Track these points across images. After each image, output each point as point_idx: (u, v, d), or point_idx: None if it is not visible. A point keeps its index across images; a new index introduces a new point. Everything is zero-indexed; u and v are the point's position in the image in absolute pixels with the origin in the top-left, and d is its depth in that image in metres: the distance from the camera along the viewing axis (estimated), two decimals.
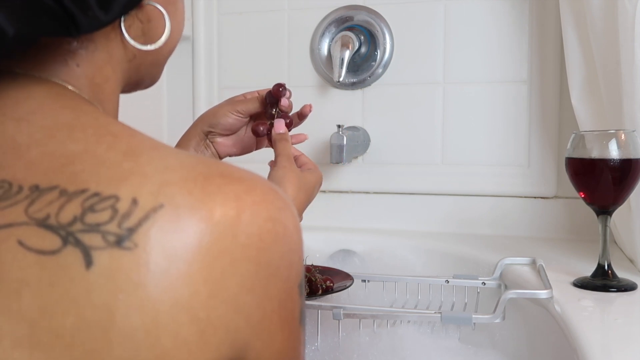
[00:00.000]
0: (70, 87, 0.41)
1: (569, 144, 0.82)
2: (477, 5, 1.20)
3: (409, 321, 0.83)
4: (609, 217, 0.80)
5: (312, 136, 1.33)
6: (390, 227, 1.24)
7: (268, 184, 0.37)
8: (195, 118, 0.78)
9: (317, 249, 1.14)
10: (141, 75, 0.49)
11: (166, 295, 0.31)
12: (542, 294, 0.74)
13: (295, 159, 0.75)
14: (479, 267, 0.99)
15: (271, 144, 0.73)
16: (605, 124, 0.95)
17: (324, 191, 1.30)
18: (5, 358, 0.30)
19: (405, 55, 1.24)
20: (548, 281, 0.78)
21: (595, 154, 0.79)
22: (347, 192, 1.29)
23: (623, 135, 0.78)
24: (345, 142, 1.14)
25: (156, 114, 1.34)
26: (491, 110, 1.20)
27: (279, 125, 0.74)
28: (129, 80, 0.48)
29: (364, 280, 0.88)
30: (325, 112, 1.28)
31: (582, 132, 0.81)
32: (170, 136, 1.37)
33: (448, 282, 0.86)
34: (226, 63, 1.35)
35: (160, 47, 0.48)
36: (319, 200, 1.30)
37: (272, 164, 0.73)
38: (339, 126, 1.16)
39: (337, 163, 1.16)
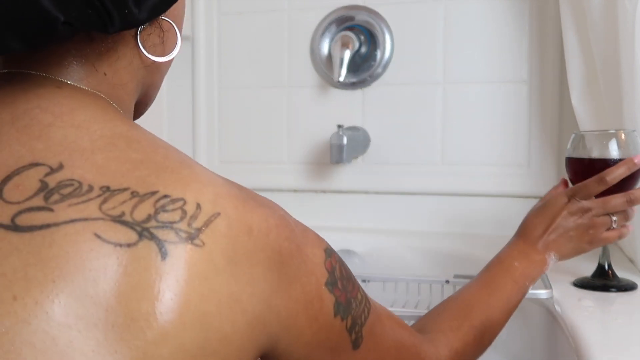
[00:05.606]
0: (110, 100, 0.43)
1: (569, 144, 0.82)
2: (477, 6, 1.20)
3: (409, 321, 0.83)
4: None
5: (312, 136, 1.35)
6: (390, 227, 1.24)
7: (282, 210, 0.43)
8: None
9: None
10: (147, 92, 0.51)
11: (225, 289, 0.36)
12: (542, 294, 0.74)
13: None
14: (479, 267, 0.99)
15: None
16: (605, 124, 0.95)
17: (324, 191, 1.30)
18: (81, 338, 0.32)
19: (405, 55, 1.24)
20: (548, 281, 0.78)
21: (595, 154, 0.79)
22: (347, 192, 1.28)
23: (623, 135, 0.78)
24: (345, 142, 1.14)
25: (156, 114, 1.33)
26: (491, 110, 1.20)
27: None
28: (139, 94, 0.49)
29: (364, 280, 0.88)
30: (325, 112, 1.28)
31: (582, 132, 0.81)
32: (170, 136, 1.37)
33: (448, 282, 0.86)
34: (226, 63, 1.35)
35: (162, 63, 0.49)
36: (319, 200, 1.31)
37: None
38: (339, 126, 1.16)
39: (337, 163, 1.16)
